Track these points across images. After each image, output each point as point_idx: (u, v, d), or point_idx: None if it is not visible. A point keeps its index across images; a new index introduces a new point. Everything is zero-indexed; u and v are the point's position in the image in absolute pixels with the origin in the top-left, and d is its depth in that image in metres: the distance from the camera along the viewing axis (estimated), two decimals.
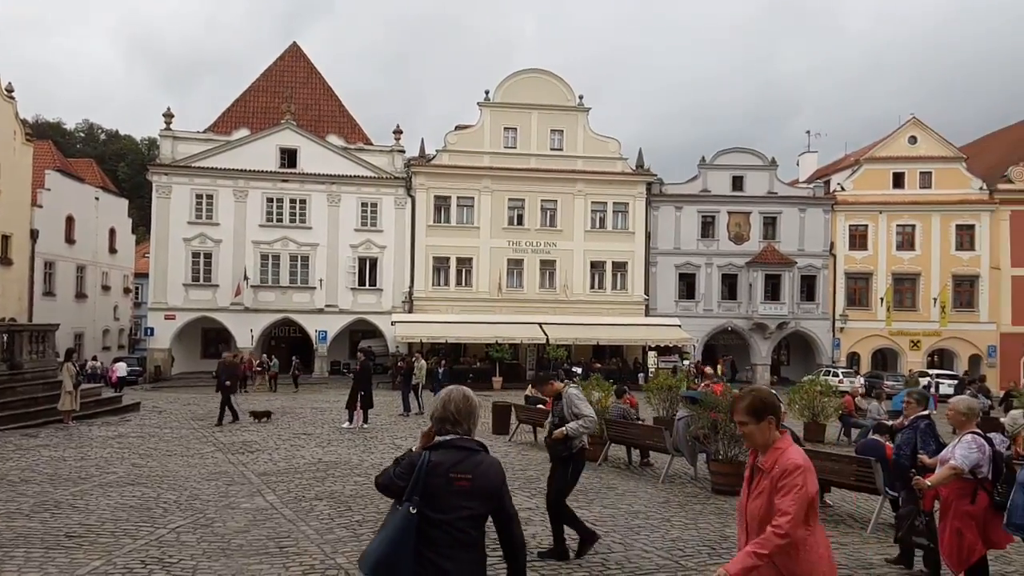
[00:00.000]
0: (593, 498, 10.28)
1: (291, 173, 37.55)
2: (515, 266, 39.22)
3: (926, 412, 6.90)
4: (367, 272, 38.29)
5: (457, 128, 40.14)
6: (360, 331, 39.66)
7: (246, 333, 36.51)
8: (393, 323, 36.34)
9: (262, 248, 37.28)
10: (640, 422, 14.96)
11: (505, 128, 39.38)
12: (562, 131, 39.73)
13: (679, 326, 38.22)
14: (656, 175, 40.62)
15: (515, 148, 39.31)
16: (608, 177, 39.64)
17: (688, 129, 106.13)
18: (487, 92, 39.42)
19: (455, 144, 39.18)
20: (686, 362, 36.03)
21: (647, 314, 39.62)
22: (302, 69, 43.66)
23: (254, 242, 37.16)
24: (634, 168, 40.20)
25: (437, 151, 39.26)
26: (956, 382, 31.07)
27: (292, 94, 40.92)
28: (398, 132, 39.22)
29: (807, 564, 3.31)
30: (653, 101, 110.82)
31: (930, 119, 43.52)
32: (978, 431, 5.84)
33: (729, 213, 40.75)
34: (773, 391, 3.85)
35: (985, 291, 39.92)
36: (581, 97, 39.91)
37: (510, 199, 39.18)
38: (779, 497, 3.37)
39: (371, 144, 40.06)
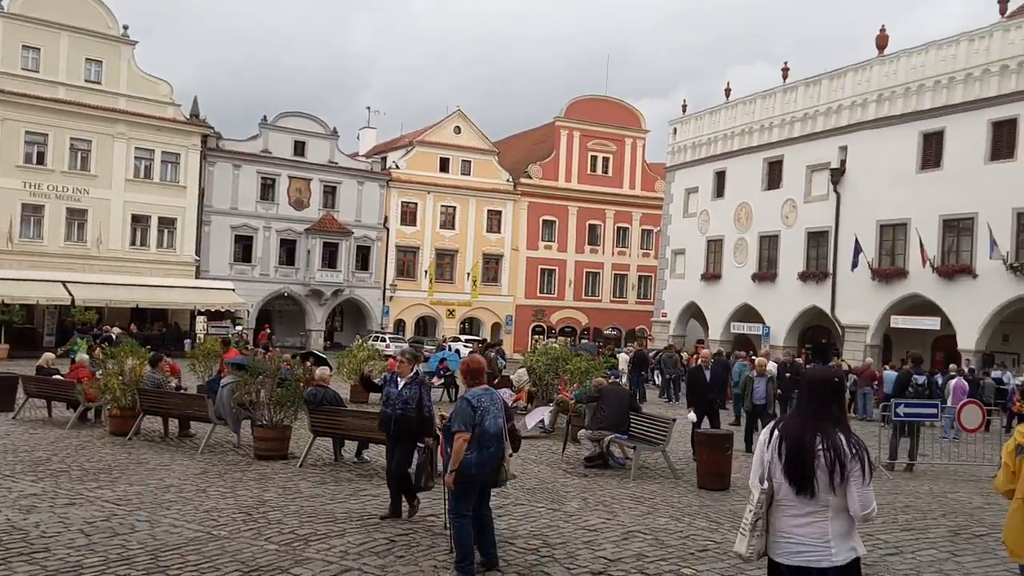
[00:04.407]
0: (119, 476, 9.20)
1: None
2: (33, 212, 32.98)
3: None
4: None
5: None
6: None
7: None
8: None
9: None
10: (182, 391, 13.96)
11: (24, 46, 32.64)
12: (101, 63, 34.52)
13: (233, 290, 36.62)
14: (213, 128, 38.11)
15: (38, 72, 32.92)
16: (157, 123, 35.73)
17: (254, 86, 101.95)
18: None
19: None
20: (239, 327, 34.74)
21: (198, 276, 37.08)
22: None
23: None
24: (188, 117, 37.04)
25: None
26: (481, 346, 35.75)
27: None
28: None
29: None
30: (216, 49, 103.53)
31: (475, 113, 49.08)
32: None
33: (290, 177, 40.33)
34: None
35: (507, 269, 46.68)
36: (126, 27, 35.22)
37: (28, 132, 32.70)
38: None
39: None
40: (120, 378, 12.32)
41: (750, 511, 3.60)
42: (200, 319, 34.93)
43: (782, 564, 3.52)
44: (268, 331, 36.61)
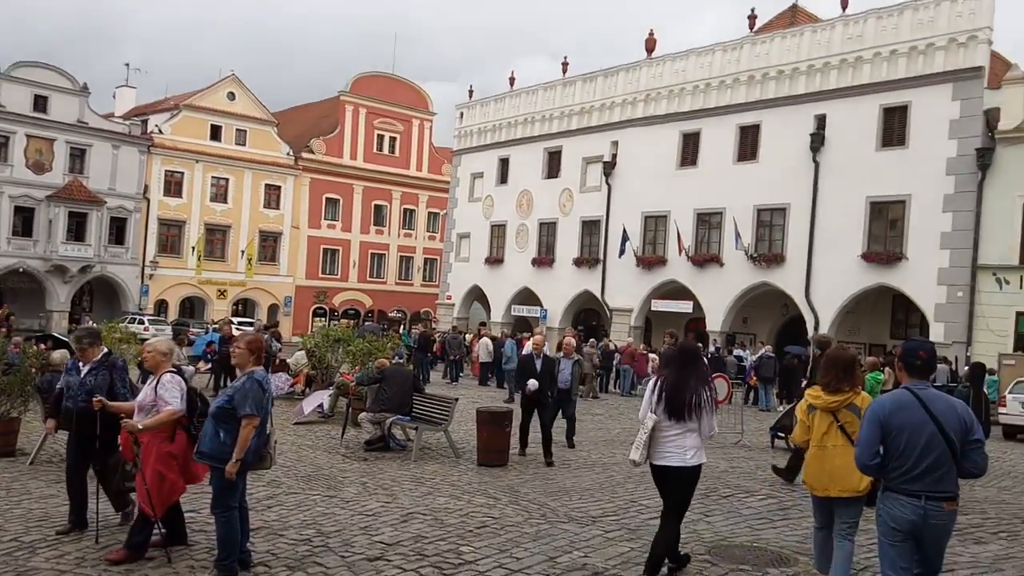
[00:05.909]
0: None
1: None
2: None
3: (108, 353, 6.46)
4: None
5: None
6: None
7: None
8: None
9: None
10: None
11: None
12: None
13: None
14: None
15: None
16: None
17: None
18: None
19: None
20: None
21: None
22: None
23: None
24: None
25: None
26: (253, 327, 33.73)
27: None
28: None
29: None
30: None
31: (253, 81, 45.75)
32: (173, 369, 5.81)
33: (28, 136, 35.23)
34: None
35: (286, 247, 44.45)
36: None
37: None
38: None
39: None
40: None
41: (643, 433, 5.38)
42: None
43: (659, 465, 5.40)
44: (6, 310, 31.75)
